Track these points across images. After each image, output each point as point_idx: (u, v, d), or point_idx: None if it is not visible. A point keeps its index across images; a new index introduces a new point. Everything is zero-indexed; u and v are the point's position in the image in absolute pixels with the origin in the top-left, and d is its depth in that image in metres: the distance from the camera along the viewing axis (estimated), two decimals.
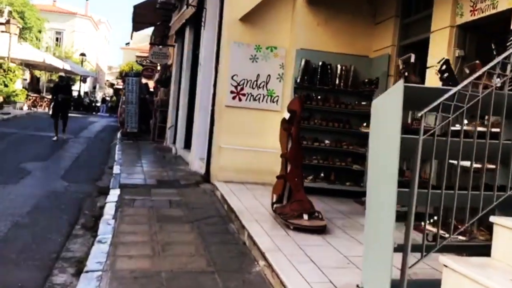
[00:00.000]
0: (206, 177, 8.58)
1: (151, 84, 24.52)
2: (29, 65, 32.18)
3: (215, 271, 3.96)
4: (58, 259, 4.34)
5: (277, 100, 8.35)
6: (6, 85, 24.15)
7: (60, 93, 14.03)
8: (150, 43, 15.29)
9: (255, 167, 8.06)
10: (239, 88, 8.22)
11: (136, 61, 31.68)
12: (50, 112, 13.91)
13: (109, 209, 6.17)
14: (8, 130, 15.32)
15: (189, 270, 3.95)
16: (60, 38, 55.02)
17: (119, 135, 16.43)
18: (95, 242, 4.68)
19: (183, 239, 4.94)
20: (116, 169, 9.49)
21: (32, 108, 27.16)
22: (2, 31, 30.41)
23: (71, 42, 51.68)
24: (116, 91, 36.30)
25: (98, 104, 39.84)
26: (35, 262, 4.20)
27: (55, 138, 13.64)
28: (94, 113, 34.74)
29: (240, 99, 8.23)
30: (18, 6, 46.28)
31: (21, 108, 24.93)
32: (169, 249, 4.52)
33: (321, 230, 4.80)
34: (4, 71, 24.55)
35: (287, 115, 5.49)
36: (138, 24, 16.53)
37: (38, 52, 29.25)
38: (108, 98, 41.65)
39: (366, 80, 7.83)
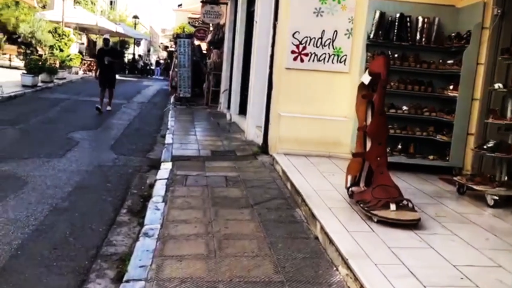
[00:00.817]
0: (264, 148, 7.74)
1: (203, 46, 23.80)
2: (84, 29, 32.23)
3: (285, 282, 3.14)
4: (97, 257, 3.67)
5: (344, 60, 7.26)
6: (61, 50, 24.16)
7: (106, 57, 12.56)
8: (202, 1, 14.36)
9: (319, 138, 7.11)
10: (301, 47, 7.18)
11: (188, 22, 30.87)
12: (98, 80, 12.75)
13: (159, 189, 5.48)
14: (62, 95, 15.11)
15: (253, 280, 3.15)
16: (114, 2, 55.17)
17: (172, 99, 15.86)
18: (140, 234, 3.98)
19: (243, 231, 4.15)
20: (169, 138, 8.84)
21: (87, 73, 27.19)
22: None
23: (125, 5, 51.67)
24: (170, 54, 35.89)
25: (153, 67, 39.73)
26: (70, 263, 3.55)
27: (98, 106, 12.19)
28: (148, 76, 34.61)
29: (302, 60, 7.21)
30: None
31: (76, 73, 24.98)
32: (227, 246, 3.75)
33: (414, 225, 3.85)
34: (59, 35, 24.53)
35: (366, 79, 4.47)
36: None
37: (91, 15, 29.03)
38: (162, 61, 41.38)
39: (453, 35, 6.58)
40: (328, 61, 7.23)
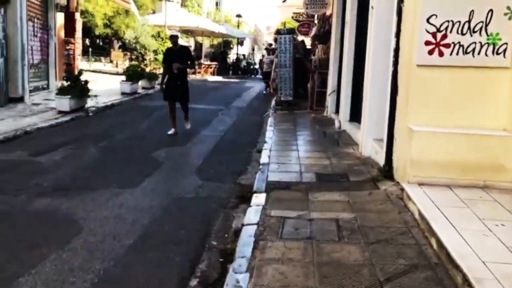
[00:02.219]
0: (387, 171, 5.88)
1: (308, 42, 22.16)
2: (188, 32, 32.24)
3: None
4: None
5: (504, 51, 5.16)
6: None
7: (175, 62, 9.03)
8: None
9: (468, 161, 5.11)
10: (439, 36, 5.22)
11: (292, 17, 29.38)
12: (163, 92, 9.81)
13: (245, 243, 3.94)
14: (160, 103, 14.27)
15: None
16: (219, 3, 55.73)
17: (273, 102, 14.42)
18: None
19: None
20: (265, 155, 7.33)
21: (191, 76, 26.89)
22: (167, 0, 30.83)
23: (230, 5, 51.82)
24: (273, 52, 34.91)
25: (256, 67, 38.94)
26: None
27: (171, 132, 9.27)
28: (252, 76, 33.78)
29: (441, 53, 5.24)
30: None
31: None
32: None
33: None
34: (162, 39, 24.39)
35: None
36: None
37: (193, 17, 28.78)
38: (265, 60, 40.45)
39: None
40: (479, 53, 5.18)
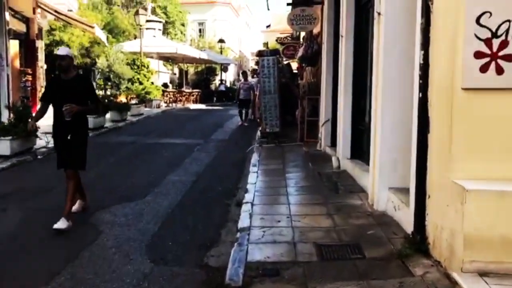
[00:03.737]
0: (419, 242, 4.04)
1: (294, 66, 20.59)
2: (168, 58, 30.62)
3: None
4: None
5: None
6: (140, 83, 22.22)
7: (65, 100, 5.31)
8: (289, 3, 11.05)
9: None
10: (496, 43, 3.46)
11: (276, 40, 27.92)
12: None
13: None
14: (128, 138, 12.52)
15: None
16: (203, 29, 54.61)
17: (258, 134, 12.60)
18: None
19: None
20: (245, 213, 5.46)
21: (171, 105, 25.11)
22: (147, 28, 29.24)
23: (213, 31, 50.66)
24: (255, 75, 33.42)
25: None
26: None
27: (62, 226, 5.09)
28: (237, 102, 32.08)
29: (500, 70, 3.48)
30: (161, 1, 46.33)
31: (158, 106, 22.90)
32: None
33: None
34: (138, 67, 22.66)
35: None
36: None
37: (170, 43, 27.15)
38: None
39: None
40: None
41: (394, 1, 5.14)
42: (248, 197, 6.19)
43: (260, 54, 11.39)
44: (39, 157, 9.76)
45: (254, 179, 7.27)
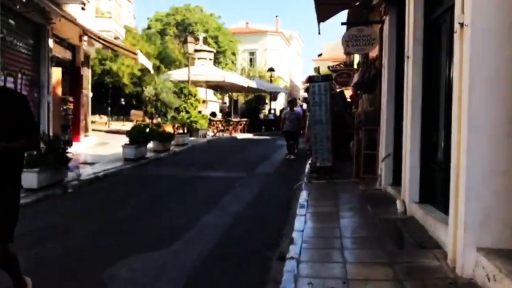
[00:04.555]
0: None
1: (347, 94, 19.41)
2: (216, 87, 30.24)
3: None
4: None
5: None
6: (187, 112, 21.69)
7: None
8: (343, 23, 9.97)
9: None
10: None
11: (328, 68, 26.90)
12: None
13: None
14: (168, 170, 11.71)
15: None
16: (253, 59, 54.64)
17: (307, 168, 11.43)
18: None
19: None
20: (289, 274, 4.30)
21: (217, 134, 24.42)
22: (199, 58, 29.14)
23: (264, 60, 50.47)
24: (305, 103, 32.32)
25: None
26: None
27: None
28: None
29: None
30: (212, 31, 46.76)
31: (204, 136, 22.21)
32: None
33: None
34: (185, 95, 22.19)
35: None
36: (323, 7, 11.21)
37: (219, 71, 26.69)
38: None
39: None
40: None
41: (485, 9, 3.95)
42: (293, 250, 5.02)
43: (310, 80, 10.32)
44: (69, 190, 9.04)
45: (302, 225, 6.09)
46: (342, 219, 6.37)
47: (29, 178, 8.40)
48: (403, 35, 7.01)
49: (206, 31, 45.86)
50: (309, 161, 12.21)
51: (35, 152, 8.80)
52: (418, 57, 6.20)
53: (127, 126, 25.38)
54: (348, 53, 23.63)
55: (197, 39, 31.29)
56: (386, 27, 8.29)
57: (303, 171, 11.56)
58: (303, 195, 8.10)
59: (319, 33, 28.43)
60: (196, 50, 27.46)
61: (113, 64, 29.20)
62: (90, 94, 18.66)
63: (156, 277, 4.56)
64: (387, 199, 7.41)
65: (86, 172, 10.68)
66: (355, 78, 11.84)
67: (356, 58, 22.51)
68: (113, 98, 33.41)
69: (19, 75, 11.32)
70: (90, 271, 4.69)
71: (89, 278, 4.51)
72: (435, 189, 5.81)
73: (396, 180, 7.78)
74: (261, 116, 34.89)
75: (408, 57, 6.41)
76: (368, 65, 10.96)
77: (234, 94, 37.99)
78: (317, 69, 25.32)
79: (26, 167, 8.39)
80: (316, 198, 7.85)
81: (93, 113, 29.50)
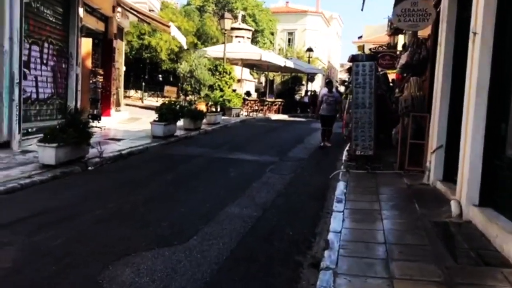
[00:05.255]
0: None
1: (390, 77, 18.18)
2: (252, 66, 29.38)
3: None
4: None
5: None
6: (221, 89, 20.98)
7: None
8: None
9: None
10: None
11: (370, 49, 25.57)
12: None
13: None
14: (196, 150, 11.05)
15: None
16: (292, 39, 53.43)
17: (344, 155, 10.54)
18: None
19: None
20: (327, 277, 3.54)
21: (251, 114, 23.65)
22: (237, 36, 28.29)
23: (303, 41, 49.21)
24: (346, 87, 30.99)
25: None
26: None
27: None
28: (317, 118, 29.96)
29: None
30: (251, 9, 45.70)
31: (238, 115, 21.50)
32: None
33: None
34: (220, 73, 21.45)
35: None
36: None
37: (255, 49, 25.76)
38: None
39: None
40: None
41: None
42: (329, 257, 4.24)
43: (354, 58, 9.34)
44: (89, 168, 8.50)
45: (339, 224, 5.28)
46: (386, 220, 5.51)
47: (47, 154, 7.91)
48: (466, 9, 6.00)
49: (245, 9, 44.79)
50: (347, 148, 11.32)
51: (59, 126, 8.31)
52: (488, 33, 5.19)
53: (161, 102, 25.01)
54: (392, 34, 22.28)
55: (235, 17, 30.38)
56: (444, 3, 7.21)
57: (340, 158, 10.70)
58: (340, 187, 7.26)
59: (362, 9, 26.92)
60: (234, 28, 26.62)
61: (152, 39, 28.73)
62: (123, 68, 18.18)
63: (163, 282, 3.87)
64: (437, 198, 6.49)
65: (111, 148, 10.14)
66: (403, 59, 10.74)
67: (401, 40, 21.16)
68: (151, 73, 33.09)
69: (46, 44, 10.77)
70: (88, 268, 4.05)
71: (84, 279, 3.86)
72: (501, 191, 4.88)
73: (448, 176, 6.86)
74: (297, 97, 33.87)
75: (475, 33, 5.40)
76: (418, 45, 9.85)
77: (270, 74, 37.00)
78: (361, 48, 23.90)
79: (43, 141, 7.94)
80: (355, 191, 7.00)
81: (129, 87, 29.34)
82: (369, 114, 8.86)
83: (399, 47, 19.68)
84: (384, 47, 22.89)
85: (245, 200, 6.62)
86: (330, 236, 4.86)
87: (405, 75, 11.90)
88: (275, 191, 7.29)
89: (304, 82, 39.25)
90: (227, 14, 21.58)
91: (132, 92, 28.82)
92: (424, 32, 10.06)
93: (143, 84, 27.19)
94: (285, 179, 8.28)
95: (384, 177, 8.11)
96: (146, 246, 4.63)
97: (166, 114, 12.31)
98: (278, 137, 15.22)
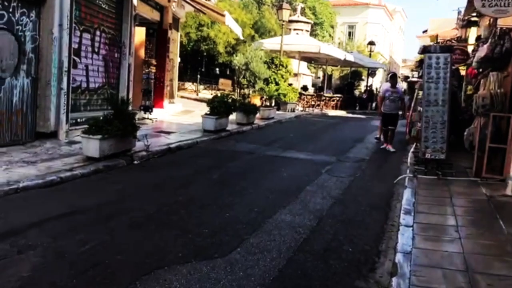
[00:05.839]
0: None
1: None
2: (310, 59, 28.42)
3: None
4: None
5: None
6: (277, 83, 20.27)
7: None
8: None
9: None
10: None
11: (437, 43, 23.91)
12: None
13: None
14: (247, 146, 10.43)
15: None
16: (352, 32, 52.03)
17: (410, 158, 9.54)
18: None
19: None
20: None
21: (308, 109, 22.78)
22: (295, 29, 27.49)
23: (364, 35, 47.67)
24: (411, 85, 29.28)
25: None
26: None
27: None
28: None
29: None
30: (311, 2, 44.64)
31: (293, 110, 20.72)
32: None
33: None
34: (276, 66, 20.73)
35: None
36: None
37: (313, 41, 24.79)
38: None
39: None
40: None
41: None
42: (398, 286, 3.44)
43: (425, 50, 8.32)
44: (135, 162, 8.07)
45: (409, 242, 4.45)
46: (466, 240, 4.60)
47: (91, 146, 7.53)
48: None
49: (304, 1, 43.77)
50: (412, 149, 10.31)
51: (105, 116, 7.92)
52: None
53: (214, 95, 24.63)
54: (463, 27, 20.63)
55: (294, 10, 29.50)
56: None
57: (404, 160, 9.71)
58: (407, 195, 6.36)
59: None
60: (292, 21, 25.80)
61: (210, 30, 28.48)
62: (178, 59, 17.87)
63: None
64: None
65: (160, 142, 9.73)
66: (481, 51, 9.55)
67: (473, 33, 19.52)
68: (207, 66, 32.94)
69: (97, 32, 10.48)
70: (112, 282, 3.48)
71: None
72: None
73: None
74: (357, 92, 32.57)
75: None
76: (500, 35, 8.69)
77: (329, 69, 35.86)
78: (434, 38, 22.26)
79: (87, 133, 7.57)
80: (426, 202, 6.08)
81: (186, 80, 29.28)
82: (442, 113, 7.83)
83: (471, 41, 18.13)
84: (453, 40, 21.30)
85: (297, 206, 5.89)
86: (398, 258, 4.05)
87: (481, 70, 10.71)
88: (332, 197, 6.50)
89: (363, 77, 37.80)
90: (285, 5, 20.78)
91: (188, 84, 28.72)
92: (506, 21, 8.87)
93: (199, 76, 26.92)
94: (343, 183, 7.46)
95: (458, 185, 7.10)
96: (183, 258, 4.02)
97: (218, 107, 11.77)
98: (336, 134, 14.34)
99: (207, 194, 6.28)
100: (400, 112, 11.62)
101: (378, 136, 12.69)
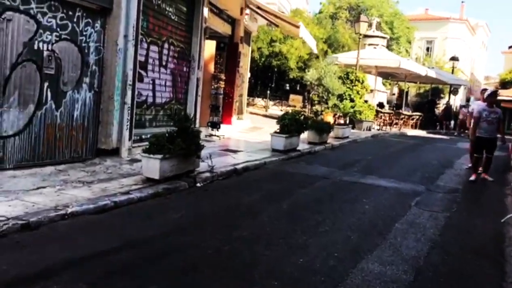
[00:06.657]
0: None
1: None
2: (387, 75, 26.88)
3: None
4: None
5: None
6: (352, 100, 19.09)
7: None
8: None
9: None
10: None
11: None
12: None
13: None
14: (319, 169, 9.43)
15: None
16: (430, 48, 49.64)
17: None
18: None
19: None
20: None
21: (385, 128, 21.33)
22: (370, 44, 26.29)
23: (443, 50, 45.16)
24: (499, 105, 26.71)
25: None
26: None
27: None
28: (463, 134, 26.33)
29: None
30: (387, 17, 43.01)
31: (369, 129, 19.39)
32: None
33: None
34: (351, 82, 19.57)
35: None
36: None
37: (392, 56, 23.33)
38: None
39: None
40: None
41: None
42: None
43: None
44: (198, 184, 7.33)
45: None
46: None
47: (151, 166, 6.86)
48: None
49: (381, 16, 42.18)
50: None
51: (168, 134, 7.26)
52: None
53: (285, 111, 23.78)
54: None
55: (370, 25, 28.22)
56: None
57: (507, 192, 8.25)
58: None
59: None
60: (367, 36, 24.59)
61: (283, 46, 27.89)
62: (248, 74, 17.26)
63: None
64: None
65: (225, 162, 8.97)
66: None
67: None
68: (277, 82, 32.31)
69: (166, 45, 9.99)
70: None
71: None
72: None
73: None
74: (437, 111, 30.44)
75: None
76: None
77: (405, 85, 34.00)
78: None
79: (148, 152, 6.92)
80: None
81: (255, 95, 28.79)
82: None
83: None
84: None
85: (387, 252, 4.79)
86: None
87: None
88: (428, 239, 5.33)
89: (442, 95, 35.44)
90: (362, 17, 19.67)
91: (257, 100, 28.19)
92: None
93: (268, 92, 26.28)
94: (438, 220, 6.23)
95: None
96: None
97: (289, 125, 10.85)
98: (420, 157, 12.93)
99: (276, 230, 5.34)
100: (499, 136, 9.96)
101: (470, 165, 10.76)
